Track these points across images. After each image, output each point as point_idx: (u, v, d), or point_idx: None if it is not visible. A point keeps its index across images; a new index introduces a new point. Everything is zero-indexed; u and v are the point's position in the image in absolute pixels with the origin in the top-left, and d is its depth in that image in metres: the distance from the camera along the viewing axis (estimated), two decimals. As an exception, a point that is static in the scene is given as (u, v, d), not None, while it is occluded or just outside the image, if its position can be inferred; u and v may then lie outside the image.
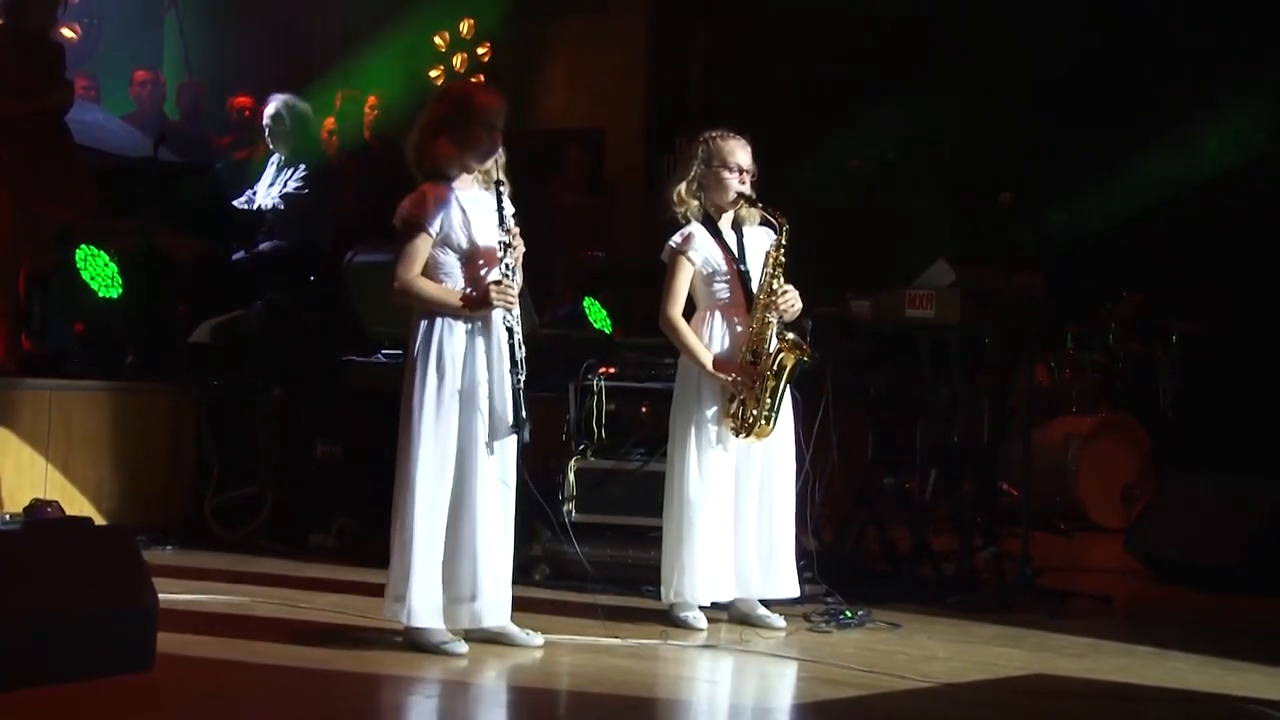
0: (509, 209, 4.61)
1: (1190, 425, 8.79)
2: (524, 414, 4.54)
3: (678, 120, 9.84)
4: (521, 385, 4.56)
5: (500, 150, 4.66)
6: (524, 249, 4.66)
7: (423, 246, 4.56)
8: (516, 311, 4.59)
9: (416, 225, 4.55)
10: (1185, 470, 7.38)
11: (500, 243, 4.57)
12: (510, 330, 4.58)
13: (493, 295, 4.53)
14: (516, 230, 4.62)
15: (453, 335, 4.54)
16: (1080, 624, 5.41)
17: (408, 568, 4.45)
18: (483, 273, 4.58)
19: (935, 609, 5.52)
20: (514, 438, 4.58)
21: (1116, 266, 9.24)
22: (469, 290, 4.57)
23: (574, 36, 11.94)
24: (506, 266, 4.57)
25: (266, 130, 8.15)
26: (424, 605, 4.46)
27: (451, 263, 4.60)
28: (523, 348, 4.58)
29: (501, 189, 4.61)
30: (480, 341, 4.57)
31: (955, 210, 9.12)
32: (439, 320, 4.55)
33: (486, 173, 4.67)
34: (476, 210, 4.62)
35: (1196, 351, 9.02)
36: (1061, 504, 8.36)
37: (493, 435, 4.54)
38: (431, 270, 4.59)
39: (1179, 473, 7.27)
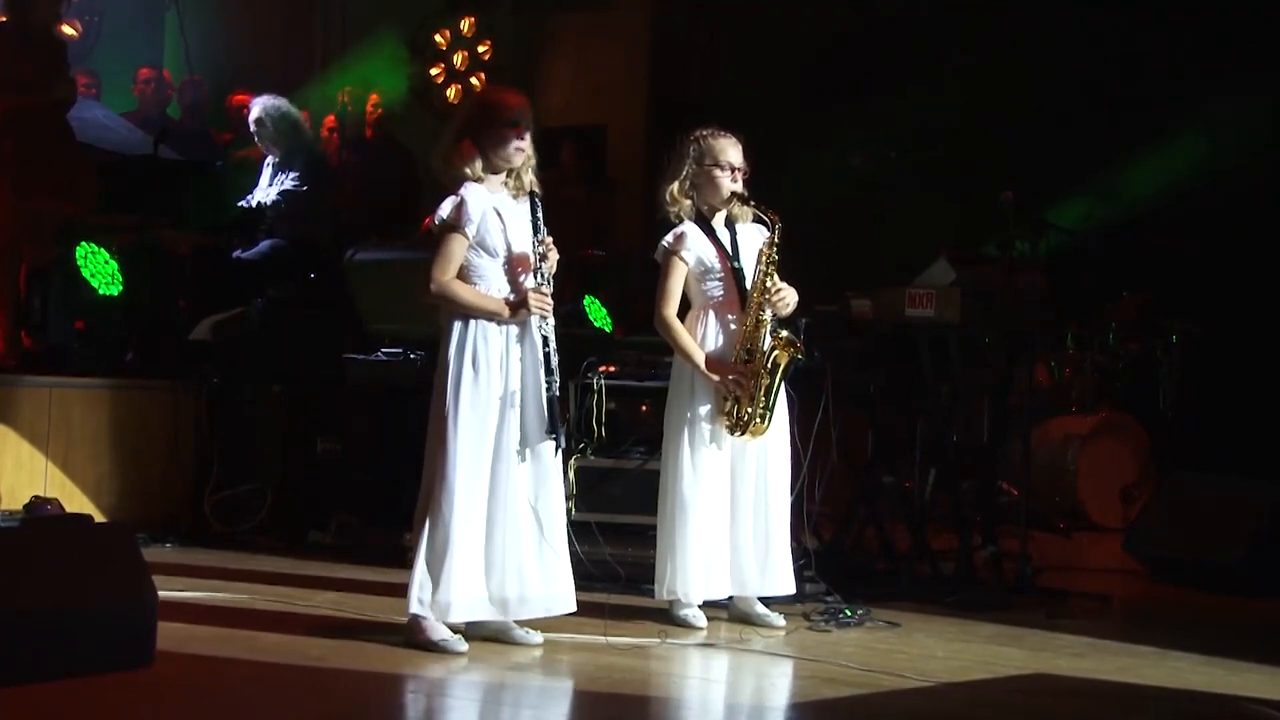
0: (542, 218, 4.62)
1: (1190, 425, 8.79)
2: (558, 421, 4.57)
3: (680, 117, 9.84)
4: (556, 393, 4.57)
5: (530, 154, 4.67)
6: (558, 258, 4.68)
7: (459, 249, 4.57)
8: (551, 320, 4.61)
9: (453, 227, 4.56)
10: (1185, 470, 7.38)
11: (535, 252, 4.59)
12: (545, 338, 4.59)
13: (531, 301, 4.55)
14: (550, 240, 4.63)
15: (487, 339, 4.56)
16: (1080, 623, 5.41)
17: (443, 565, 4.45)
18: (520, 279, 4.60)
19: (934, 608, 5.53)
20: (550, 444, 4.60)
21: (1117, 266, 9.24)
22: (510, 295, 4.59)
23: (576, 33, 11.94)
24: (541, 275, 4.59)
25: (254, 136, 8.14)
26: (463, 600, 4.48)
27: (485, 265, 4.61)
28: (557, 355, 4.59)
29: (536, 198, 4.63)
30: (516, 347, 4.59)
31: (956, 208, 9.12)
32: (473, 323, 4.56)
33: (518, 179, 4.68)
34: (511, 216, 4.63)
35: (1196, 351, 9.02)
36: (1061, 503, 8.36)
37: (526, 441, 4.57)
38: (464, 273, 4.60)
39: (1179, 473, 7.26)
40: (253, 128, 8.12)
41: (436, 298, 4.60)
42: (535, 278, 4.60)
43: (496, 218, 4.60)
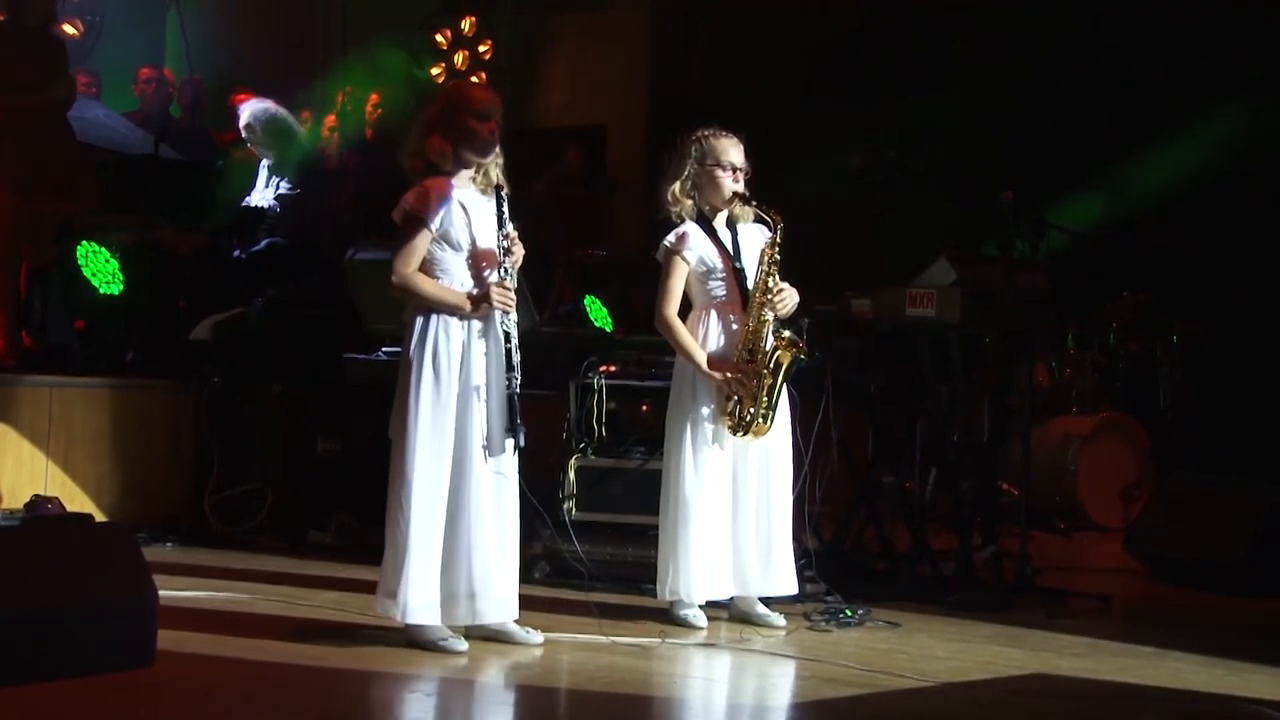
0: (508, 214, 4.61)
1: (1190, 425, 8.80)
2: (518, 420, 4.55)
3: (679, 117, 9.85)
4: (517, 391, 4.56)
5: (498, 150, 4.66)
6: (523, 254, 4.66)
7: (422, 242, 4.56)
8: (514, 316, 4.60)
9: (417, 219, 4.54)
10: (1185, 470, 7.38)
11: (500, 247, 4.58)
12: (507, 334, 4.58)
13: (493, 296, 4.54)
14: (515, 236, 4.62)
15: (449, 334, 4.54)
16: (1079, 623, 5.41)
17: (402, 564, 4.45)
18: (485, 274, 4.59)
19: (934, 608, 5.53)
20: (510, 443, 4.58)
21: (1117, 266, 9.24)
22: (473, 290, 4.58)
23: (575, 33, 11.94)
24: (505, 270, 4.58)
25: (246, 141, 8.14)
26: (419, 601, 4.46)
27: (449, 259, 4.60)
28: (519, 352, 4.58)
29: (502, 194, 4.61)
30: (479, 343, 4.57)
31: (956, 208, 9.12)
32: (435, 318, 4.55)
33: (486, 175, 4.67)
34: (477, 211, 4.62)
35: (1197, 351, 9.03)
36: (1061, 503, 8.37)
37: (489, 439, 4.54)
38: (429, 266, 4.59)
39: (1179, 473, 7.26)
40: (243, 133, 8.12)
41: (398, 290, 4.58)
42: (499, 273, 4.59)
43: (462, 212, 4.59)
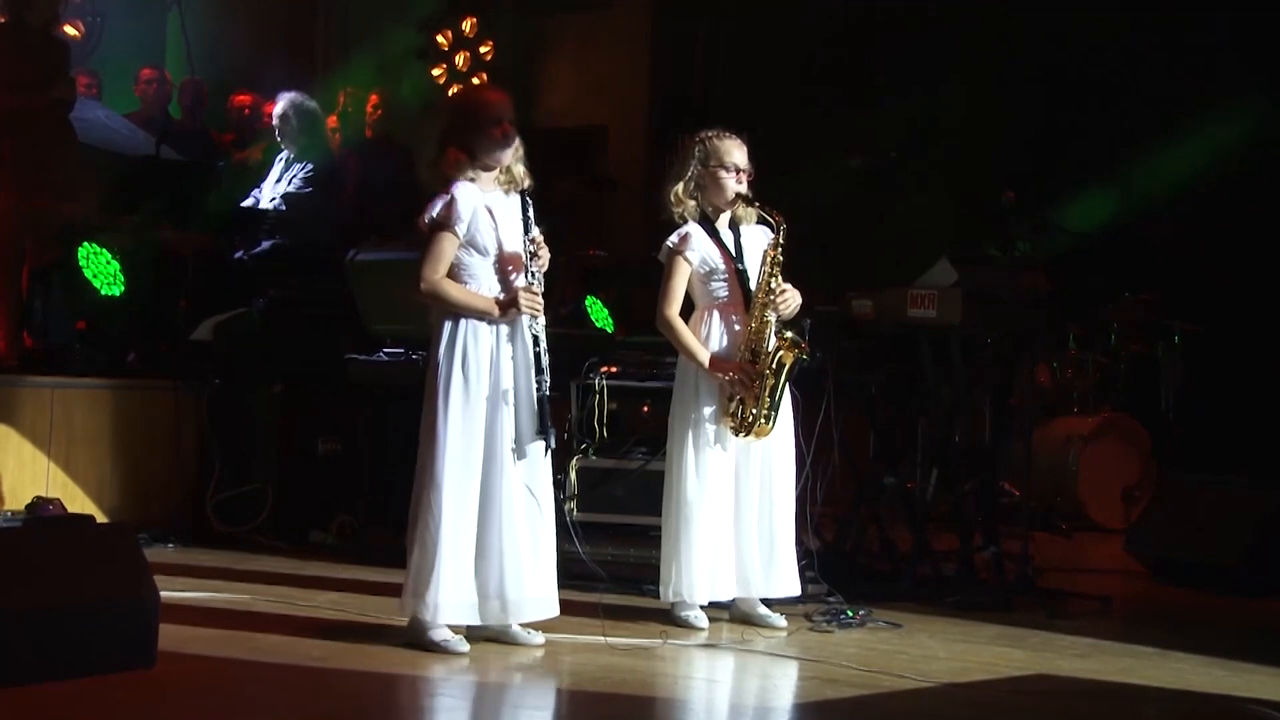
0: (534, 217, 4.62)
1: (1191, 425, 8.79)
2: (549, 421, 4.56)
3: (681, 117, 9.84)
4: (547, 393, 4.57)
5: (518, 145, 4.67)
6: (549, 256, 4.66)
7: (449, 248, 4.56)
8: (542, 320, 4.60)
9: (444, 226, 4.55)
10: (1186, 470, 7.37)
11: (526, 251, 4.59)
12: (536, 338, 4.59)
13: (521, 301, 4.54)
14: (541, 240, 4.63)
15: (478, 338, 4.55)
16: (1081, 624, 5.41)
17: (432, 566, 4.45)
18: (511, 278, 4.60)
19: (936, 609, 5.53)
20: (541, 442, 4.60)
21: (1118, 266, 9.24)
22: (500, 295, 4.58)
23: (576, 33, 11.94)
24: (532, 274, 4.58)
25: (276, 131, 8.18)
26: (450, 602, 4.47)
27: (476, 264, 4.60)
28: (548, 355, 4.59)
29: (527, 196, 4.62)
30: (507, 346, 4.59)
31: (957, 209, 9.12)
32: (463, 322, 4.56)
33: (509, 172, 4.67)
34: (503, 215, 4.63)
35: (1198, 352, 9.02)
36: (1062, 504, 8.36)
37: (518, 440, 4.56)
38: (455, 271, 4.60)
39: (1179, 473, 7.26)
40: (275, 122, 8.15)
41: (427, 297, 4.59)
42: (526, 276, 4.60)
43: (488, 216, 4.60)
